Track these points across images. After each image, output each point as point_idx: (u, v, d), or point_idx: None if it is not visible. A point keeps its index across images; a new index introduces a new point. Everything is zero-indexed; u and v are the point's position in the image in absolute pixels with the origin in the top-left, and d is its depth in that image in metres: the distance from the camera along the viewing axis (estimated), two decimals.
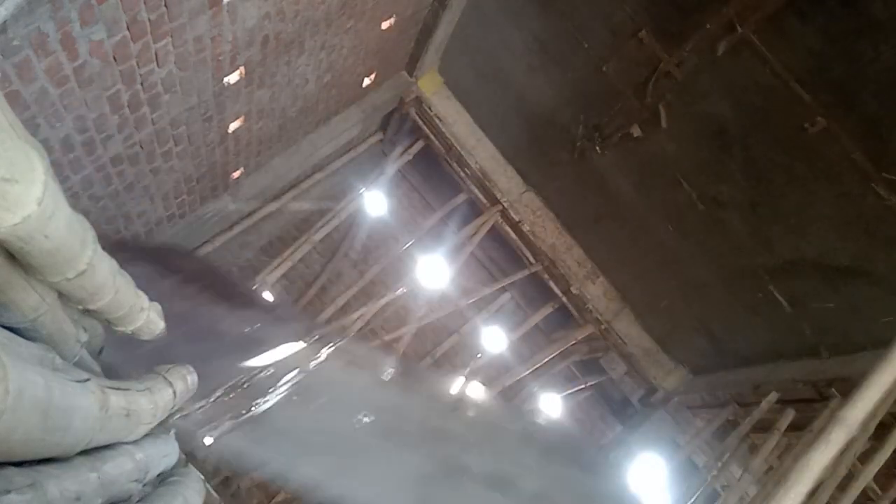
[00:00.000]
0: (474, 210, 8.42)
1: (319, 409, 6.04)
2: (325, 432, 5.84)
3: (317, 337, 6.79)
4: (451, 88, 7.84)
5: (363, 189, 8.52)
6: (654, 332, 7.88)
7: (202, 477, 3.64)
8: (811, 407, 5.49)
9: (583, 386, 9.05)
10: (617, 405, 9.13)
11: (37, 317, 1.99)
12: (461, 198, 8.48)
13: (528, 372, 8.60)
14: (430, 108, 7.81)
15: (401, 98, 7.76)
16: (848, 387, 5.06)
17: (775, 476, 5.01)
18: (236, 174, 6.28)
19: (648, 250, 6.99)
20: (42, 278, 1.82)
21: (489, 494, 5.76)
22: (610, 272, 7.96)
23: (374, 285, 8.69)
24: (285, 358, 6.14)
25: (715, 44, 4.93)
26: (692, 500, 6.03)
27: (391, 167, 8.57)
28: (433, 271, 8.07)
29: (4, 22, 2.65)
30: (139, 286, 2.31)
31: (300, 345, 6.51)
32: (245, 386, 5.60)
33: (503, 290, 9.18)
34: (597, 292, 7.99)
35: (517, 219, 7.96)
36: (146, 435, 3.02)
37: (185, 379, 3.79)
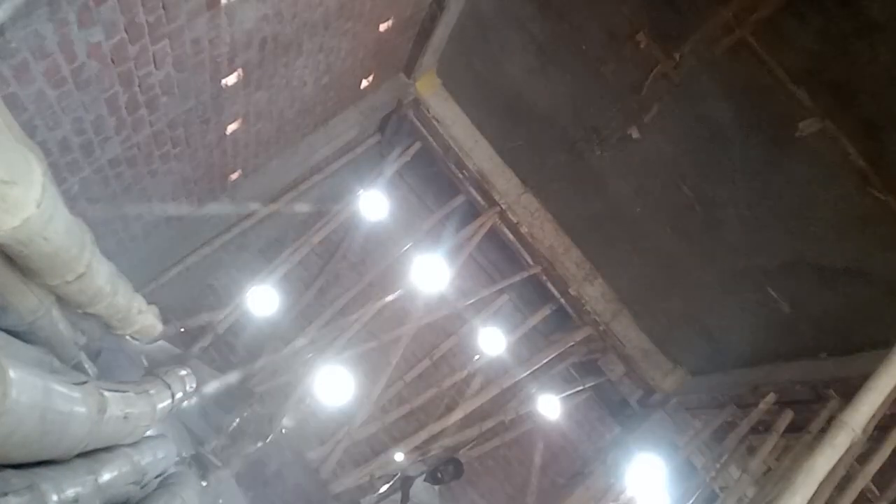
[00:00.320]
0: (472, 212, 8.42)
1: None
2: None
3: None
4: (450, 90, 7.84)
5: (361, 191, 8.52)
6: (652, 333, 7.88)
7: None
8: (809, 408, 5.49)
9: (581, 387, 9.05)
10: (615, 406, 9.12)
11: (35, 320, 1.99)
12: (459, 199, 8.48)
13: (526, 373, 8.60)
14: (428, 110, 7.81)
15: (399, 100, 7.76)
16: (846, 388, 5.07)
17: (778, 479, 5.01)
18: (234, 176, 6.28)
19: (647, 252, 7.00)
20: (41, 282, 1.82)
21: None
22: (608, 274, 7.96)
23: (373, 287, 8.69)
24: None
25: (713, 45, 4.93)
26: (691, 502, 6.03)
27: (389, 169, 8.57)
28: (431, 273, 8.07)
29: (2, 24, 2.65)
30: None
31: None
32: None
33: (501, 291, 9.19)
34: (595, 294, 7.99)
35: (515, 220, 7.96)
36: (144, 437, 3.02)
37: (184, 381, 3.80)
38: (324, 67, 5.72)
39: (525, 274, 8.38)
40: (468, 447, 8.76)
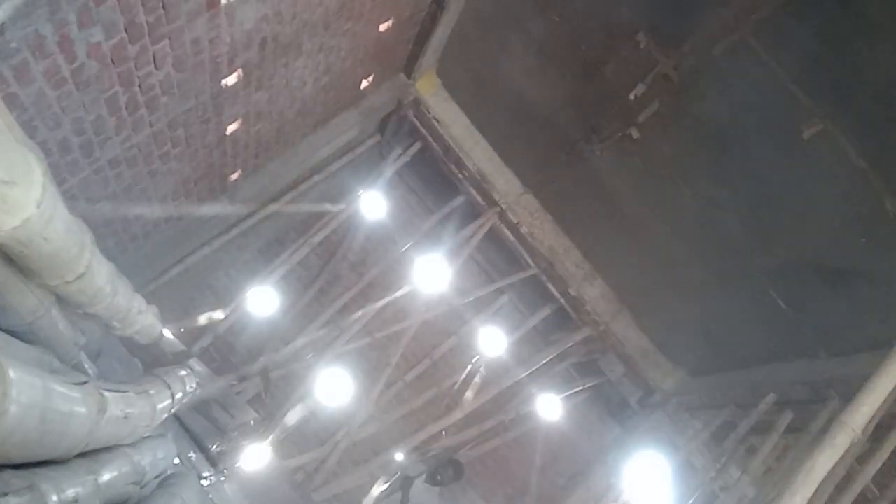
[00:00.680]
0: (472, 212, 8.42)
1: None
2: None
3: None
4: (449, 90, 7.84)
5: (361, 191, 8.52)
6: (652, 333, 7.89)
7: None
8: (809, 408, 5.49)
9: (581, 388, 9.05)
10: (615, 407, 9.12)
11: (35, 320, 1.99)
12: (459, 199, 8.48)
13: (526, 373, 8.60)
14: (428, 110, 7.80)
15: (399, 100, 7.76)
16: (846, 388, 5.07)
17: (778, 479, 5.01)
18: (234, 176, 6.28)
19: (647, 252, 7.00)
20: (41, 282, 1.82)
21: None
22: (608, 274, 7.96)
23: (373, 287, 8.69)
24: None
25: (713, 45, 4.94)
26: (691, 502, 6.02)
27: (389, 169, 8.57)
28: (431, 273, 8.07)
29: (2, 24, 2.65)
30: None
31: None
32: None
33: (501, 291, 9.19)
34: (595, 294, 7.99)
35: (515, 221, 7.96)
36: (144, 437, 3.02)
37: (184, 381, 3.80)
38: (324, 67, 5.73)
39: (524, 274, 8.37)
40: (468, 447, 8.76)
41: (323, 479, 8.07)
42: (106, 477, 2.17)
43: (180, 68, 4.01)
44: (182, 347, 4.60)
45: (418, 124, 8.01)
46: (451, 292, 8.56)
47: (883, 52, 3.99)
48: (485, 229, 8.25)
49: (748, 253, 5.85)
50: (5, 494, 1.47)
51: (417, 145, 8.37)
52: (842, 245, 5.04)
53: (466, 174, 8.01)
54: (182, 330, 7.73)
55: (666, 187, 6.13)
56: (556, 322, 8.77)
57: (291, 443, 8.15)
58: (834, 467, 3.05)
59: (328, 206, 8.47)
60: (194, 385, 4.35)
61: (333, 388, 7.61)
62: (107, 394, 2.18)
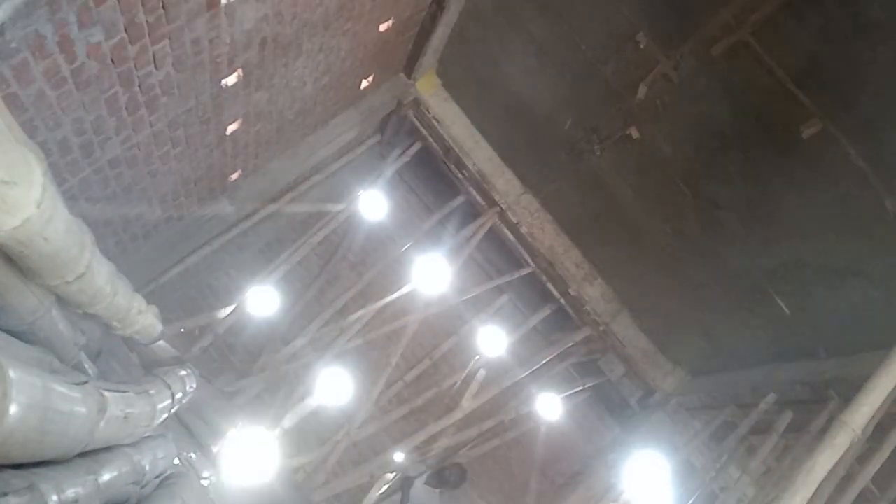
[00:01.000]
0: (472, 212, 8.42)
1: None
2: None
3: None
4: (449, 90, 7.84)
5: (361, 191, 8.52)
6: (652, 333, 7.89)
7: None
8: (809, 408, 5.49)
9: (581, 388, 9.05)
10: (615, 407, 9.12)
11: (35, 320, 1.99)
12: (459, 199, 8.48)
13: (526, 373, 8.60)
14: (428, 110, 7.81)
15: (399, 100, 7.76)
16: (846, 388, 5.07)
17: (778, 479, 5.02)
18: (234, 176, 6.28)
19: (646, 252, 7.00)
20: (41, 282, 1.82)
21: None
22: (608, 274, 7.96)
23: (373, 287, 8.69)
24: None
25: (713, 45, 4.94)
26: (690, 502, 6.02)
27: (389, 169, 8.57)
28: (431, 273, 8.07)
29: (2, 24, 2.65)
30: None
31: None
32: None
33: (501, 291, 9.19)
34: (595, 294, 7.99)
35: (515, 220, 7.96)
36: (144, 437, 3.02)
37: (184, 382, 3.80)
38: (324, 68, 5.73)
39: (523, 272, 8.37)
40: (468, 447, 8.76)
41: (323, 479, 8.06)
42: (106, 477, 2.17)
43: (180, 68, 4.01)
44: (175, 353, 4.60)
45: (418, 124, 8.01)
46: (451, 292, 8.56)
47: (883, 51, 3.99)
48: (485, 229, 8.25)
49: (748, 253, 5.85)
50: (5, 494, 1.47)
51: (417, 145, 8.37)
52: (842, 245, 5.04)
53: (466, 174, 8.01)
54: (182, 330, 7.74)
55: (666, 187, 6.13)
56: (556, 322, 8.77)
57: (291, 443, 8.14)
58: (834, 467, 3.05)
59: (328, 206, 8.48)
60: (194, 385, 4.35)
61: (333, 388, 7.61)
62: (107, 394, 2.18)
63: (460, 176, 8.12)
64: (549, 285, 8.23)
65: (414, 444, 8.34)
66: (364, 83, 6.94)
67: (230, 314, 7.90)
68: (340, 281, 8.85)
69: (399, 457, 8.20)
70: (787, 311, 5.82)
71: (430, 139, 8.07)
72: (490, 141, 7.92)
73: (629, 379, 8.22)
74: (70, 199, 4.23)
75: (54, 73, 3.22)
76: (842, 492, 4.08)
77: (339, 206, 8.54)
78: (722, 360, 7.04)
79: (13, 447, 1.54)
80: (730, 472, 6.11)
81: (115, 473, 2.28)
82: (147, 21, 3.42)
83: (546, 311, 8.64)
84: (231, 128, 5.28)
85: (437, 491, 7.93)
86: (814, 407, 5.43)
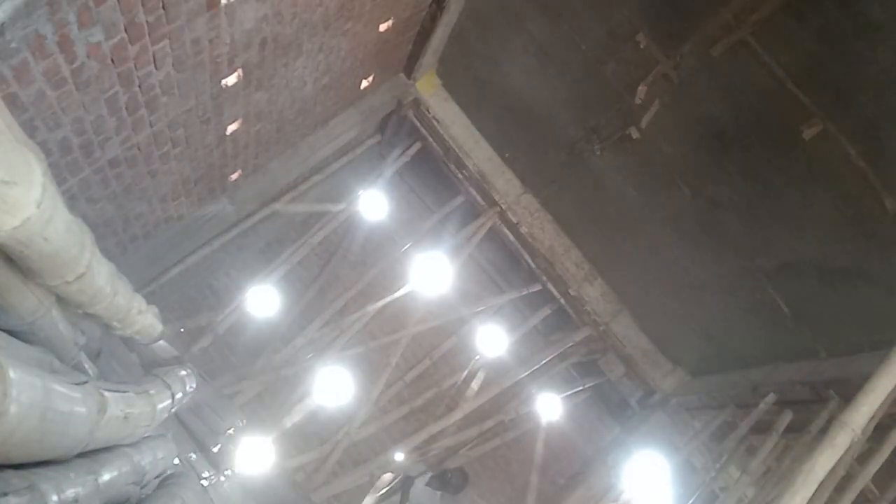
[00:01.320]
0: (472, 212, 8.42)
1: None
2: None
3: None
4: (449, 90, 7.84)
5: (361, 191, 8.52)
6: (652, 333, 7.89)
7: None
8: (809, 408, 5.49)
9: (581, 388, 9.05)
10: (615, 407, 9.13)
11: (35, 320, 1.99)
12: (459, 200, 8.48)
13: (526, 373, 8.60)
14: (428, 110, 7.81)
15: (399, 100, 7.76)
16: (846, 388, 5.07)
17: (778, 480, 5.01)
18: (234, 176, 6.28)
19: (646, 252, 7.00)
20: (41, 282, 1.82)
21: None
22: (608, 274, 7.96)
23: (373, 287, 8.68)
24: None
25: (713, 45, 4.93)
26: (690, 502, 6.02)
27: (389, 169, 8.58)
28: (431, 273, 8.07)
29: (2, 24, 2.65)
30: None
31: None
32: None
33: (501, 291, 9.19)
34: (595, 294, 7.99)
35: (515, 220, 7.96)
36: (144, 437, 3.02)
37: (184, 382, 3.80)
38: (324, 68, 5.72)
39: (532, 290, 8.41)
40: (468, 447, 8.76)
41: (323, 479, 8.07)
42: (106, 477, 2.17)
43: (180, 68, 4.01)
44: (175, 353, 4.60)
45: (418, 124, 8.01)
46: (450, 292, 8.56)
47: (883, 52, 3.99)
48: (485, 229, 8.26)
49: (748, 253, 5.85)
50: (5, 494, 1.47)
51: (417, 145, 8.37)
52: (842, 245, 5.04)
53: (466, 174, 8.01)
54: (182, 330, 7.74)
55: (666, 187, 6.13)
56: (556, 322, 8.78)
57: (291, 443, 8.15)
58: (834, 467, 3.05)
59: (328, 206, 8.48)
60: (194, 385, 4.35)
61: (333, 387, 7.62)
62: (107, 394, 2.18)
63: (460, 176, 8.12)
64: (550, 285, 8.23)
65: (414, 444, 8.34)
66: (364, 83, 6.94)
67: (230, 314, 7.91)
68: (340, 281, 8.85)
69: (399, 457, 8.21)
70: (787, 310, 5.82)
71: (430, 139, 8.07)
72: (490, 141, 7.92)
73: (629, 379, 8.22)
74: (70, 199, 4.23)
75: (54, 73, 3.22)
76: (842, 492, 4.08)
77: (339, 206, 8.54)
78: (722, 360, 7.04)
79: (13, 447, 1.54)
80: (730, 472, 6.11)
81: (115, 473, 2.29)
82: (147, 21, 3.42)
83: (546, 311, 8.64)
84: (231, 128, 5.28)
85: (439, 493, 7.95)
86: (814, 407, 5.43)
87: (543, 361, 8.60)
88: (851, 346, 5.38)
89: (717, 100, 5.22)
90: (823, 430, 3.30)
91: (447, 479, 8.10)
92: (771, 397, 5.96)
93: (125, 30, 3.35)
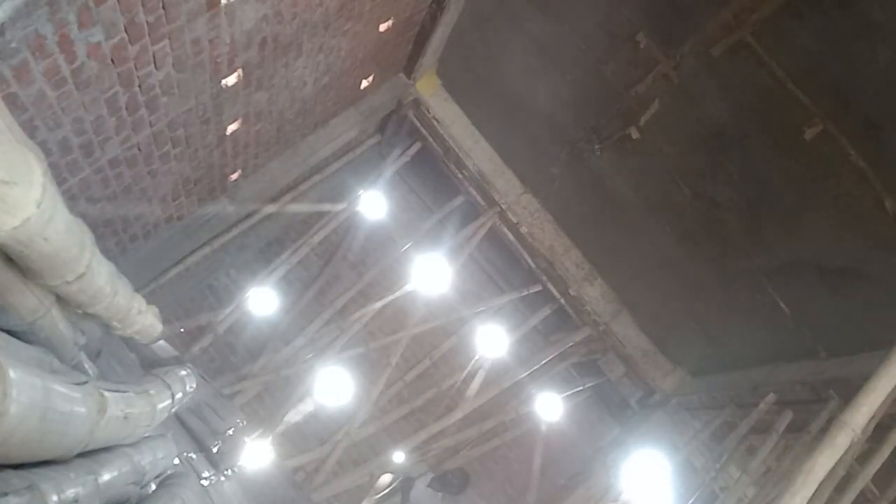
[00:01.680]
0: (472, 212, 8.42)
1: None
2: None
3: None
4: (449, 90, 7.84)
5: (361, 191, 8.52)
6: (652, 333, 7.88)
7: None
8: (809, 408, 5.49)
9: (581, 388, 9.05)
10: (615, 407, 9.12)
11: (35, 320, 1.99)
12: (459, 200, 8.48)
13: (526, 373, 8.60)
14: (428, 110, 7.81)
15: (399, 100, 7.76)
16: (846, 388, 5.07)
17: (778, 479, 5.01)
18: (234, 176, 6.28)
19: (646, 252, 7.00)
20: (41, 282, 1.82)
21: None
22: (608, 274, 7.96)
23: (373, 287, 8.69)
24: None
25: (713, 45, 4.93)
26: (690, 502, 6.02)
27: (389, 169, 8.58)
28: (431, 273, 8.07)
29: (2, 24, 2.65)
30: None
31: None
32: None
33: (501, 291, 9.19)
34: (595, 294, 7.99)
35: (515, 220, 7.96)
36: (144, 437, 3.02)
37: (184, 381, 3.80)
38: (324, 68, 5.73)
39: (532, 290, 8.42)
40: (468, 447, 8.76)
41: (323, 479, 8.07)
42: (106, 477, 2.17)
43: (180, 68, 4.02)
44: (175, 353, 4.60)
45: (418, 124, 8.01)
46: (450, 292, 8.56)
47: (883, 52, 3.99)
48: (485, 229, 8.26)
49: (748, 253, 5.85)
50: (5, 494, 1.47)
51: (417, 145, 8.38)
52: (842, 245, 5.04)
53: (466, 174, 8.01)
54: (182, 330, 7.74)
55: (666, 187, 6.13)
56: (556, 322, 8.78)
57: (291, 443, 8.15)
58: (834, 467, 3.05)
59: (328, 206, 8.48)
60: (194, 385, 4.35)
61: (333, 387, 7.62)
62: (107, 394, 2.18)
63: (460, 176, 8.12)
64: (550, 285, 8.23)
65: (414, 444, 8.34)
66: (364, 83, 6.94)
67: (230, 314, 7.91)
68: (340, 281, 8.85)
69: (399, 457, 8.21)
70: (787, 311, 5.82)
71: (430, 139, 8.07)
72: (490, 141, 7.92)
73: (629, 379, 8.22)
74: (70, 199, 4.23)
75: (54, 73, 3.22)
76: (842, 492, 4.08)
77: (339, 206, 8.54)
78: (722, 360, 7.04)
79: (13, 447, 1.54)
80: (730, 472, 6.11)
81: (115, 473, 2.29)
82: (147, 21, 3.42)
83: (546, 311, 8.64)
84: (231, 128, 5.28)
85: (440, 495, 7.95)
86: (814, 407, 5.43)
87: (543, 361, 8.60)
88: (851, 346, 5.38)
89: (717, 100, 5.22)
90: (823, 430, 3.31)
91: (448, 481, 8.11)
92: (771, 397, 5.96)
93: (125, 30, 3.35)
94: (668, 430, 7.51)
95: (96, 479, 2.06)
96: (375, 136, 8.59)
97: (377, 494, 7.97)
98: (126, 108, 3.94)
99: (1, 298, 1.83)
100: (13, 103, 3.15)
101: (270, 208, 7.53)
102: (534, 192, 7.96)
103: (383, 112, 7.93)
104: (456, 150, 7.88)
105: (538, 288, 8.45)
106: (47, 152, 3.66)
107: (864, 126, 4.37)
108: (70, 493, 1.80)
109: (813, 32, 4.30)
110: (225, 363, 8.16)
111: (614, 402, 9.06)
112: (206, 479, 4.82)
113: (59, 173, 3.96)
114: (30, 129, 3.37)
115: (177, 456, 4.01)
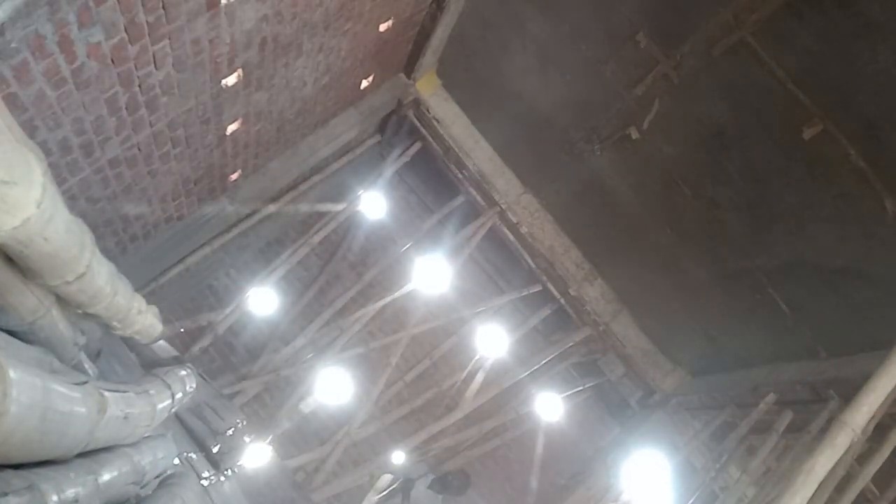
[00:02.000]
0: (472, 212, 8.42)
1: None
2: None
3: None
4: (450, 90, 7.84)
5: (361, 191, 8.52)
6: (652, 333, 7.89)
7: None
8: (809, 408, 5.49)
9: (581, 388, 9.05)
10: (615, 407, 9.12)
11: (35, 320, 1.99)
12: (459, 200, 8.48)
13: (526, 373, 8.60)
14: (428, 110, 7.81)
15: (399, 100, 7.76)
16: (846, 388, 5.07)
17: (778, 479, 5.01)
18: (234, 176, 6.28)
19: (646, 252, 7.00)
20: (41, 282, 1.82)
21: None
22: (608, 274, 7.96)
23: (373, 287, 8.69)
24: None
25: (713, 45, 4.94)
26: (690, 502, 6.02)
27: (389, 169, 8.58)
28: (431, 273, 8.07)
29: (2, 24, 2.65)
30: None
31: None
32: None
33: (502, 291, 9.19)
34: (595, 294, 7.99)
35: (515, 220, 7.96)
36: (144, 437, 3.02)
37: (184, 381, 3.80)
38: (324, 68, 5.73)
39: (532, 289, 8.41)
40: (468, 447, 8.76)
41: (323, 479, 8.07)
42: (106, 477, 2.17)
43: (180, 68, 4.01)
44: (175, 353, 4.60)
45: (418, 124, 8.01)
46: (450, 292, 8.56)
47: (883, 52, 3.99)
48: (485, 229, 8.26)
49: (748, 253, 5.85)
50: (5, 494, 1.47)
51: (417, 145, 8.37)
52: (842, 245, 5.04)
53: (466, 174, 8.01)
54: (182, 330, 7.74)
55: (666, 187, 6.13)
56: (556, 322, 8.77)
57: (291, 443, 8.15)
58: (834, 467, 3.05)
59: (328, 206, 8.48)
60: (194, 385, 4.35)
61: (333, 387, 7.61)
62: (107, 394, 2.18)
63: (460, 176, 8.12)
64: (550, 285, 8.23)
65: (414, 444, 8.34)
66: (364, 83, 6.94)
67: (230, 314, 7.91)
68: (340, 281, 8.85)
69: (399, 457, 8.20)
70: (787, 311, 5.82)
71: (430, 139, 8.07)
72: (490, 141, 7.92)
73: (629, 379, 8.22)
74: (70, 199, 4.23)
75: (54, 73, 3.22)
76: (842, 492, 4.08)
77: (339, 206, 8.54)
78: (722, 360, 7.04)
79: (13, 447, 1.54)
80: (730, 472, 6.11)
81: (115, 473, 2.29)
82: (147, 21, 3.42)
83: (546, 311, 8.64)
84: (231, 128, 5.28)
85: (440, 496, 7.94)
86: (814, 407, 5.43)
87: (543, 361, 8.60)
88: (851, 346, 5.38)
89: (717, 100, 5.22)
90: (823, 430, 3.31)
91: (448, 483, 8.10)
92: (771, 397, 5.96)
93: (125, 30, 3.35)
94: (668, 430, 7.51)
95: (96, 479, 2.06)
96: (375, 136, 8.59)
97: (377, 495, 7.96)
98: (126, 108, 3.94)
99: (1, 298, 1.83)
100: (13, 103, 3.15)
101: (270, 208, 7.53)
102: (534, 192, 7.96)
103: (383, 112, 7.93)
104: (456, 150, 7.88)
105: (538, 288, 8.45)
106: (47, 152, 3.66)
107: (864, 126, 4.38)
108: (70, 493, 1.80)
109: (813, 32, 4.30)
110: (225, 363, 8.16)
111: (614, 402, 9.06)
112: (206, 479, 4.82)
113: (59, 173, 3.95)
114: (30, 129, 3.37)
115: (177, 456, 4.01)
